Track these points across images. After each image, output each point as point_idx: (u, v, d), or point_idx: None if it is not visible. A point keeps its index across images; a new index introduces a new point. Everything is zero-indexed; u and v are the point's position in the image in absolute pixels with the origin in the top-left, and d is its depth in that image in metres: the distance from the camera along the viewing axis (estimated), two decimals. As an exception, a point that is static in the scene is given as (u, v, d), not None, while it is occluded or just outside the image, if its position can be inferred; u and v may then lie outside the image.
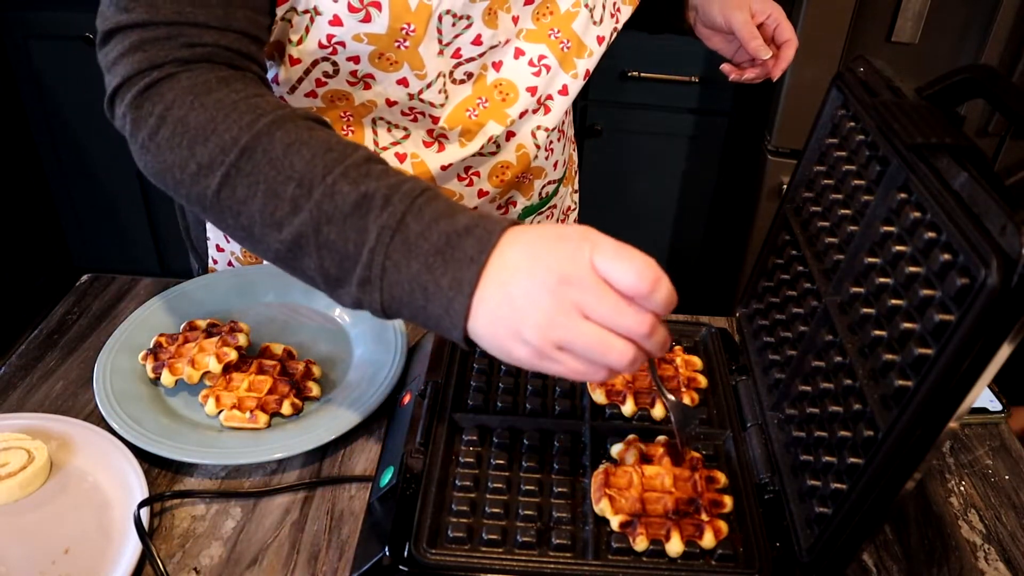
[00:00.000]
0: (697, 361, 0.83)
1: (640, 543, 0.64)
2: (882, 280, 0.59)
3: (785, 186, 0.80)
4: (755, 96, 2.04)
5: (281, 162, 0.59)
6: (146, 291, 1.00)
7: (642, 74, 2.01)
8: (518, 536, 0.65)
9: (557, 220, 1.13)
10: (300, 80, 0.80)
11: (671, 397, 0.71)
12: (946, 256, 0.51)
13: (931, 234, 0.54)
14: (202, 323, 0.89)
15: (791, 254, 0.77)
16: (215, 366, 0.82)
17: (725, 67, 1.01)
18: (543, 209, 1.04)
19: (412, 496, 0.67)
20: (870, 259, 0.62)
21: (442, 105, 0.84)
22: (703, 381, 0.81)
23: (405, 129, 0.86)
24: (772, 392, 0.75)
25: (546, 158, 0.97)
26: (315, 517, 0.73)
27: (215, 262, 1.06)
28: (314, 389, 0.84)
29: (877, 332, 0.58)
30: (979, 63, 1.46)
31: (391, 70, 0.78)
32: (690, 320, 0.94)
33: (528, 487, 0.69)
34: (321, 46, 0.76)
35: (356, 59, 0.77)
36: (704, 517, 0.66)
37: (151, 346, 0.86)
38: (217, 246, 1.04)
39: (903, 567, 0.71)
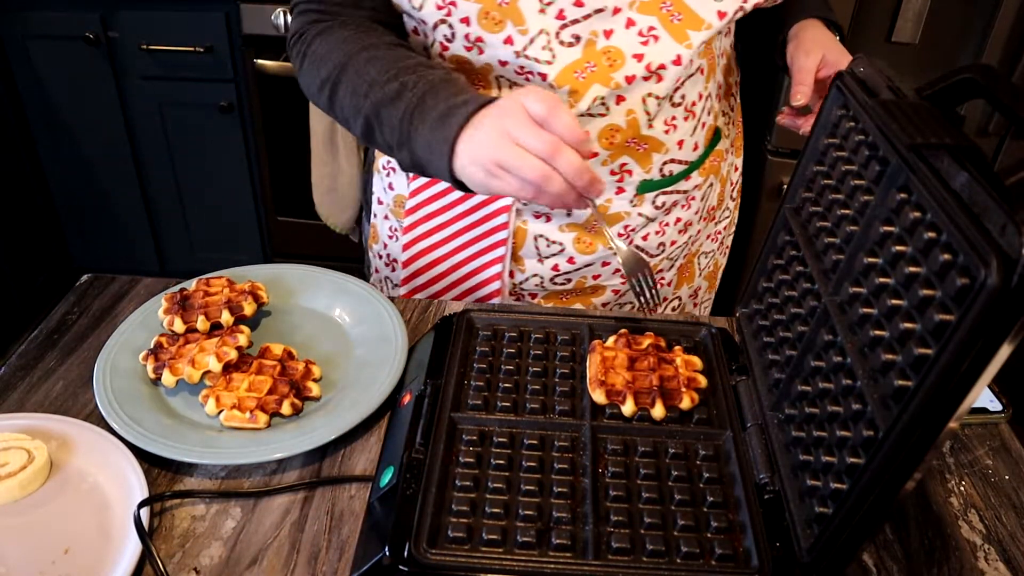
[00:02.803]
0: (697, 361, 0.83)
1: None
2: (882, 280, 0.59)
3: (785, 186, 0.80)
4: (755, 96, 2.03)
5: (362, 71, 0.87)
6: (146, 291, 1.00)
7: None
8: (518, 536, 0.65)
9: (704, 220, 1.17)
10: (426, 49, 0.94)
11: (621, 245, 0.89)
12: (946, 256, 0.51)
13: (931, 234, 0.54)
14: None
15: (791, 254, 0.77)
16: (215, 366, 0.82)
17: (785, 107, 1.00)
18: (667, 188, 1.03)
19: (412, 496, 0.67)
20: (870, 259, 0.62)
21: (548, 62, 0.90)
22: (703, 381, 0.81)
23: (522, 87, 0.93)
24: (772, 392, 0.75)
25: (665, 132, 0.98)
26: (315, 517, 0.73)
27: (375, 215, 1.18)
28: (314, 389, 0.84)
29: (877, 332, 0.58)
30: (979, 63, 1.46)
31: (496, 30, 0.89)
32: (690, 320, 0.94)
33: (528, 487, 0.69)
34: (438, 7, 0.88)
35: (467, 20, 0.89)
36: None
37: (152, 346, 0.86)
38: (378, 200, 1.16)
39: (903, 567, 0.71)
